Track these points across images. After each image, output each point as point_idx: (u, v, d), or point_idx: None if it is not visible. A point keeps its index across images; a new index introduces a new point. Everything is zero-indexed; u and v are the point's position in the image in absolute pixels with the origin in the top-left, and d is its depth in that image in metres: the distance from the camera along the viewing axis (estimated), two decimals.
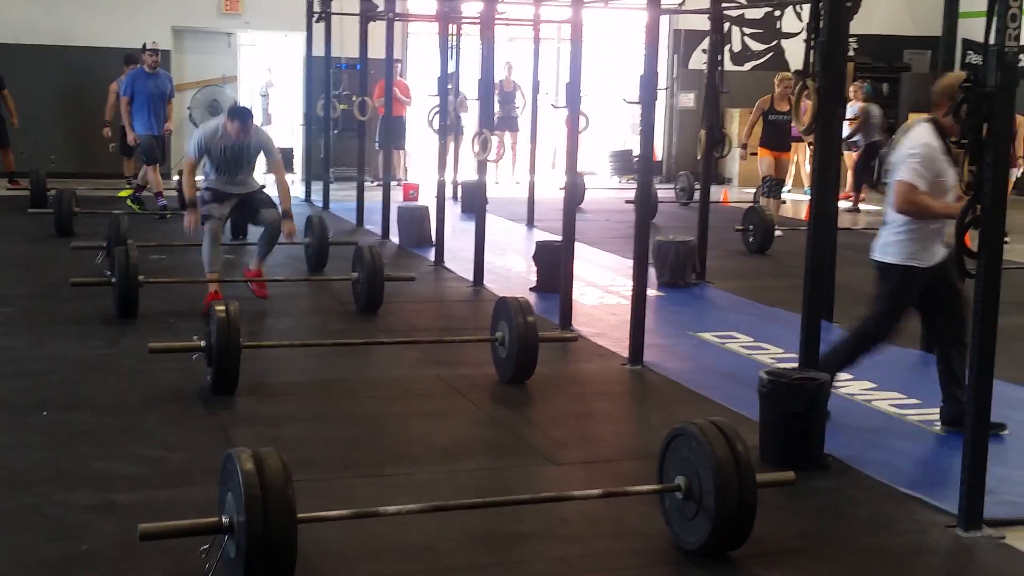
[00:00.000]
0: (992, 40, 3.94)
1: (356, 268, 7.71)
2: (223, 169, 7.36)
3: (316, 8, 13.51)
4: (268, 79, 17.89)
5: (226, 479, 3.44)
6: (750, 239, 10.92)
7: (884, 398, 5.84)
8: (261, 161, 7.66)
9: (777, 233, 10.98)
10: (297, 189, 15.28)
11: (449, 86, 10.40)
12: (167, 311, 7.43)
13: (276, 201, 7.54)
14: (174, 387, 5.70)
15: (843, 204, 13.55)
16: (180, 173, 8.34)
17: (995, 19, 3.93)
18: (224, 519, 3.39)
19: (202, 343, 5.59)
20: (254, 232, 8.25)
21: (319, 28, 13.55)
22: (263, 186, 7.84)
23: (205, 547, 3.49)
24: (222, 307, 5.51)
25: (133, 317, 7.15)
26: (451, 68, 10.78)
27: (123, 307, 7.12)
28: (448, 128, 10.18)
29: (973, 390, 4.07)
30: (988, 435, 4.11)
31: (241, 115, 7.22)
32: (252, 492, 3.26)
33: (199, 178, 7.59)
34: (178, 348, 5.77)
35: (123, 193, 12.85)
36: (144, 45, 11.97)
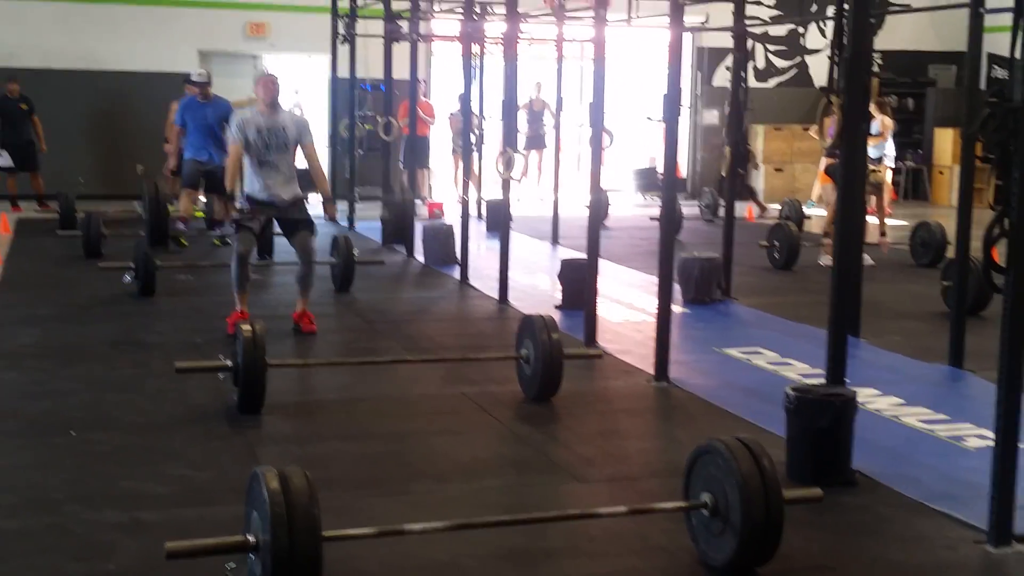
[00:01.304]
0: (1018, 55, 3.93)
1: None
2: (262, 159, 7.21)
3: (341, 30, 13.62)
4: (295, 100, 17.99)
5: (252, 497, 3.45)
6: (775, 255, 10.87)
7: (912, 413, 5.80)
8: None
9: (868, 262, 10.63)
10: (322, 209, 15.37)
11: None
12: (195, 329, 7.47)
13: (312, 219, 7.48)
14: (200, 406, 5.73)
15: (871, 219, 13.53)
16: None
17: (1020, 34, 3.92)
18: (250, 537, 3.40)
19: (228, 362, 5.62)
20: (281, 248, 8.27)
21: (344, 50, 13.66)
22: (305, 198, 7.58)
23: (231, 565, 3.50)
24: (248, 326, 5.53)
25: (151, 294, 7.88)
26: (475, 89, 10.83)
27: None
28: (469, 147, 10.22)
29: (1002, 404, 4.03)
30: (1017, 449, 4.07)
31: (268, 77, 7.35)
32: (277, 510, 3.27)
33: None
34: (204, 368, 5.80)
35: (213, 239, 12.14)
36: (189, 76, 11.58)
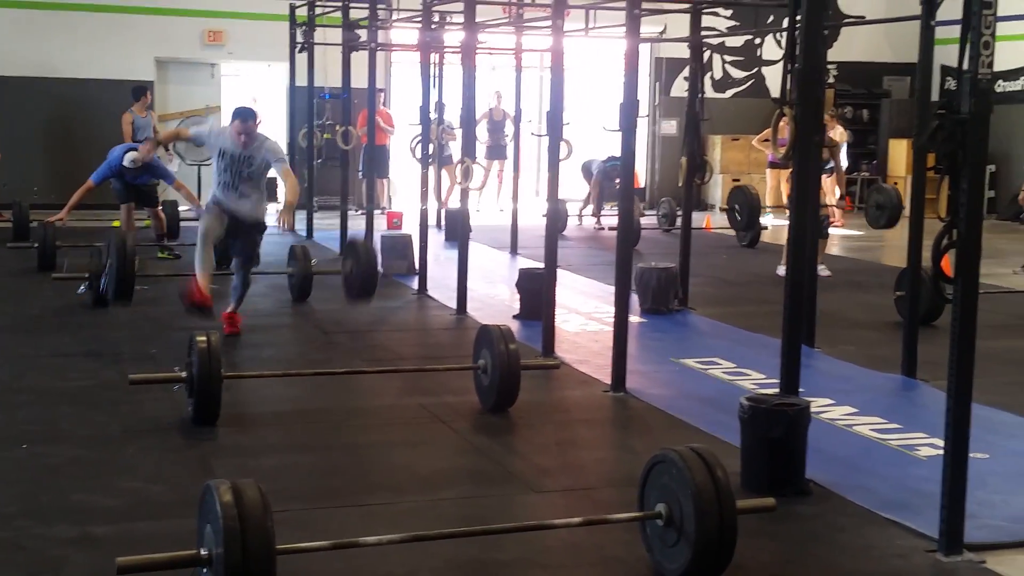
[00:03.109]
0: (966, 67, 3.98)
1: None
2: (229, 178, 7.25)
3: (299, 39, 13.57)
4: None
5: (204, 511, 3.42)
6: (737, 217, 10.77)
7: (866, 423, 5.85)
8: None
9: (825, 273, 10.75)
10: None
11: (433, 115, 10.44)
12: (149, 340, 7.41)
13: (264, 227, 7.63)
14: (154, 418, 5.68)
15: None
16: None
17: (968, 46, 3.97)
18: (203, 551, 3.37)
19: (183, 374, 5.58)
20: None
21: (302, 58, 13.61)
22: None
23: None
24: (203, 338, 5.49)
25: (129, 300, 7.63)
26: (434, 97, 10.81)
27: (120, 290, 7.53)
28: (431, 157, 10.21)
29: (952, 414, 4.08)
30: (967, 459, 4.12)
31: (243, 114, 7.27)
32: (230, 524, 3.25)
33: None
34: (159, 379, 5.75)
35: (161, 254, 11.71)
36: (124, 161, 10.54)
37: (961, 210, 4.00)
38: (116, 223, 12.84)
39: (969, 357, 4.07)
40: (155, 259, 10.95)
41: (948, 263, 4.31)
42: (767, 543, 4.21)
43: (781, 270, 10.81)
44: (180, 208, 12.37)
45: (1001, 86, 16.38)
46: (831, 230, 14.46)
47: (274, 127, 17.46)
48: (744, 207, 10.78)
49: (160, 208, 11.29)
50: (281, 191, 10.97)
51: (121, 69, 15.43)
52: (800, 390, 5.18)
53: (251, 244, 7.62)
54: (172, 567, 3.42)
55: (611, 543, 4.16)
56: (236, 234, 7.46)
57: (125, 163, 10.34)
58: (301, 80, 13.88)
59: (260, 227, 7.58)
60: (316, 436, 5.59)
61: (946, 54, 7.30)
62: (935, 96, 8.85)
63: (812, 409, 5.01)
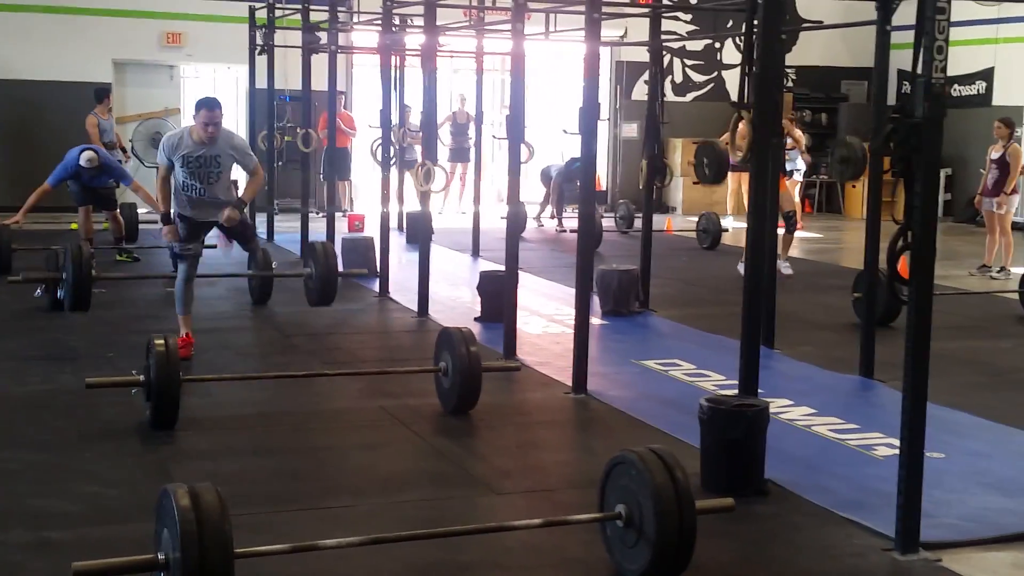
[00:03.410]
0: (919, 71, 4.03)
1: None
2: (197, 185, 6.85)
3: (259, 41, 13.50)
4: None
5: (161, 515, 3.40)
6: (706, 172, 10.75)
7: (824, 423, 5.91)
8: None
9: (788, 271, 10.84)
10: None
11: (396, 118, 10.43)
12: (107, 344, 7.34)
13: (248, 229, 7.57)
14: (112, 422, 5.63)
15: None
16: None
17: (922, 50, 4.02)
18: (160, 556, 3.35)
19: (141, 377, 5.53)
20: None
21: (262, 60, 13.54)
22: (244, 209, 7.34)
23: None
24: (161, 341, 5.45)
25: (86, 310, 7.39)
26: (396, 100, 10.79)
27: (76, 300, 7.30)
28: (392, 160, 10.20)
29: (907, 415, 4.13)
30: (923, 459, 4.17)
31: (208, 103, 6.84)
32: (187, 528, 3.23)
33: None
34: (116, 383, 5.70)
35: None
36: (80, 160, 10.32)
37: (915, 213, 4.05)
38: (74, 226, 12.72)
39: (924, 358, 4.12)
40: (114, 262, 10.85)
41: (905, 265, 4.35)
42: (726, 543, 4.24)
43: (741, 267, 10.90)
44: (139, 211, 12.27)
45: (957, 90, 16.60)
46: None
47: (234, 129, 17.40)
48: (713, 162, 10.78)
49: (118, 211, 11.18)
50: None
51: (79, 71, 15.28)
52: (759, 391, 5.23)
53: (244, 233, 7.45)
54: (129, 572, 3.40)
55: (572, 544, 4.17)
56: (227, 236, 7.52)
57: (82, 163, 10.23)
58: (261, 82, 13.80)
59: (243, 218, 7.29)
60: (276, 439, 5.56)
61: (903, 58, 7.34)
62: (892, 100, 8.95)
63: (771, 410, 5.06)
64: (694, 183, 18.03)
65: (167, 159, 6.89)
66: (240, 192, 7.23)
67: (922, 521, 4.18)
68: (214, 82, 17.86)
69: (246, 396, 6.28)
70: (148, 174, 15.72)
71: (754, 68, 5.04)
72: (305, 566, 3.86)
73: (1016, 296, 9.38)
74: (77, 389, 5.89)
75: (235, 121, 17.08)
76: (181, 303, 7.14)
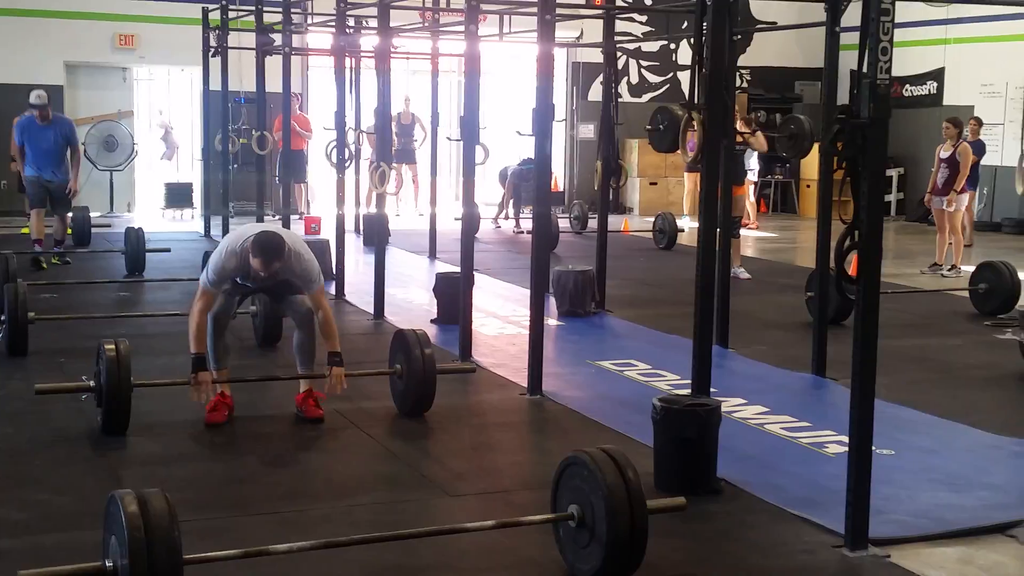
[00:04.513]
0: (865, 71, 4.07)
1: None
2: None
3: (212, 42, 13.40)
4: (162, 120, 17.56)
5: (109, 522, 3.37)
6: (660, 127, 10.86)
7: (776, 422, 5.95)
8: None
9: (744, 275, 10.95)
10: (196, 224, 15.12)
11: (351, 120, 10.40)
12: (58, 350, 7.25)
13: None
14: (62, 429, 5.57)
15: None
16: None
17: (867, 52, 4.07)
18: (108, 563, 3.32)
19: (91, 383, 5.48)
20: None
21: (216, 62, 13.45)
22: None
23: None
24: (111, 345, 5.40)
25: (23, 355, 7.01)
26: (351, 102, 10.75)
27: (12, 345, 6.99)
28: (348, 161, 10.17)
29: (856, 411, 4.17)
30: (871, 456, 4.22)
31: (265, 250, 5.37)
32: (135, 534, 3.20)
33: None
34: (66, 389, 5.64)
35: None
36: (30, 98, 10.75)
37: (862, 212, 4.09)
38: (25, 230, 12.60)
39: (872, 355, 4.16)
40: (50, 264, 10.81)
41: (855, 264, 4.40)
42: (679, 542, 4.26)
43: (735, 272, 10.98)
44: (92, 214, 12.17)
45: (909, 91, 16.76)
46: (745, 232, 14.72)
47: (189, 133, 17.29)
48: (670, 124, 10.80)
49: (69, 215, 11.12)
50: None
51: (29, 74, 15.09)
52: (713, 390, 5.28)
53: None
54: None
55: (526, 545, 4.18)
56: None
57: (32, 99, 10.55)
58: (215, 84, 13.71)
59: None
60: (229, 444, 5.53)
61: (854, 59, 7.45)
62: (845, 101, 9.02)
63: (724, 408, 5.10)
64: (651, 184, 18.16)
65: (216, 282, 5.54)
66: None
67: (872, 518, 4.23)
68: (168, 84, 17.76)
69: (199, 401, 6.22)
70: (101, 177, 15.64)
71: (704, 68, 5.06)
72: (256, 571, 3.84)
73: (966, 294, 9.50)
74: (26, 395, 5.82)
75: (190, 124, 16.99)
76: (213, 356, 5.77)
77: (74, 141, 10.89)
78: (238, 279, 5.66)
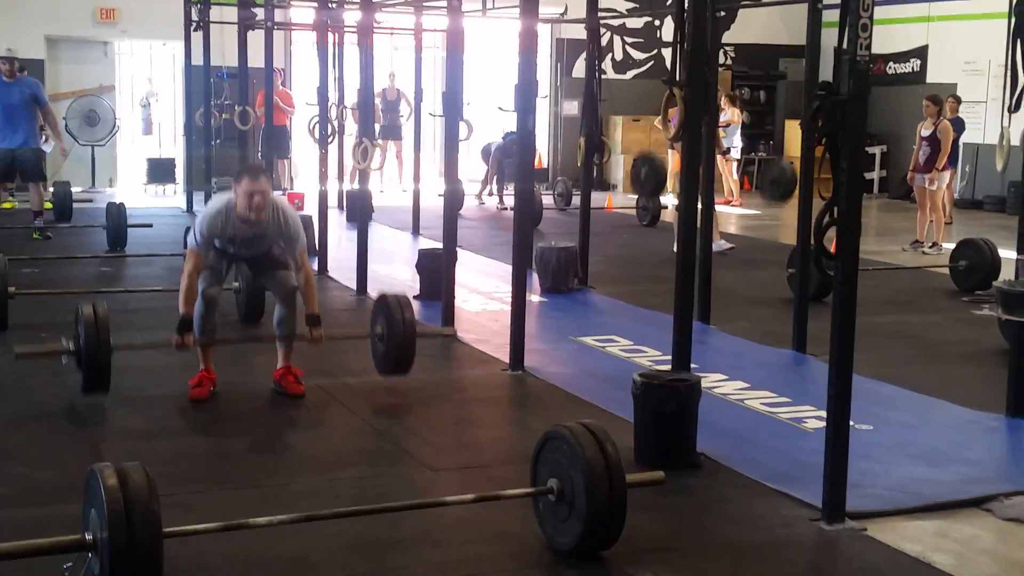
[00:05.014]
0: (845, 48, 4.08)
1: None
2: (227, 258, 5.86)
3: (194, 17, 13.32)
4: (149, 89, 17.56)
5: (89, 495, 3.38)
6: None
7: (756, 397, 5.99)
8: None
9: (727, 246, 11.05)
10: (179, 200, 15.06)
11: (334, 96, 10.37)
12: (39, 325, 7.23)
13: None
14: (44, 403, 5.57)
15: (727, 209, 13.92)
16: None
17: (847, 28, 4.08)
18: (87, 536, 3.33)
19: (71, 346, 5.47)
20: None
21: (198, 37, 13.37)
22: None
23: (68, 564, 3.42)
24: (89, 307, 5.40)
25: (3, 330, 6.98)
26: (333, 77, 10.70)
27: None
28: (331, 137, 10.15)
29: (833, 387, 4.20)
30: (848, 430, 4.25)
31: (252, 169, 5.59)
32: (115, 507, 3.21)
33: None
34: (46, 352, 5.65)
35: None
36: None
37: (841, 189, 4.11)
38: (7, 204, 12.55)
39: (850, 330, 4.19)
40: (31, 240, 10.75)
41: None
42: (657, 516, 4.29)
43: (716, 245, 11.04)
44: (74, 189, 12.11)
45: (892, 68, 16.79)
46: (729, 208, 14.75)
47: (171, 106, 17.19)
48: (650, 175, 10.95)
49: (42, 184, 11.02)
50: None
51: (7, 47, 14.94)
52: (694, 366, 5.30)
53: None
54: (56, 552, 3.38)
55: (505, 519, 4.20)
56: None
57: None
58: (197, 59, 13.63)
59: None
60: (211, 418, 5.53)
61: (835, 37, 7.47)
62: (828, 78, 9.03)
63: (705, 384, 5.13)
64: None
65: (203, 242, 5.56)
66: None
67: (849, 492, 4.26)
68: (150, 59, 17.65)
69: (181, 375, 6.20)
70: (82, 152, 15.55)
71: (686, 45, 5.07)
72: (236, 544, 3.85)
73: (947, 271, 9.55)
74: (8, 369, 5.82)
75: (172, 98, 16.89)
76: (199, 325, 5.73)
77: (42, 100, 10.81)
78: (224, 246, 5.65)
